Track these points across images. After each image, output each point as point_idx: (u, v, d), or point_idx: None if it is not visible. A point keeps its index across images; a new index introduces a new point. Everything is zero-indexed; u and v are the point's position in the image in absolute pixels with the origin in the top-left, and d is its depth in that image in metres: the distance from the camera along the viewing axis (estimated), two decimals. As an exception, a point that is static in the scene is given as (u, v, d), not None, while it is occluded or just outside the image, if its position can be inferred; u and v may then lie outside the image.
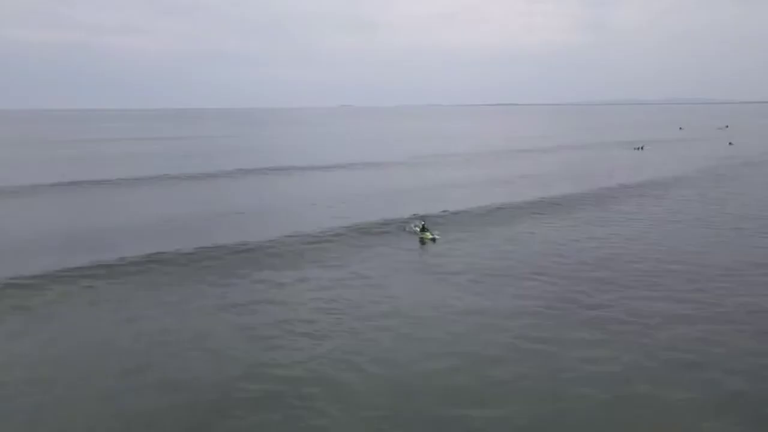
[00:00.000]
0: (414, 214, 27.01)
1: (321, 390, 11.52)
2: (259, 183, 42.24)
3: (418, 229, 24.41)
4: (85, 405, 11.18)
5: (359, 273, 19.20)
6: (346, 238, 23.92)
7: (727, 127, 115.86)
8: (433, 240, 23.38)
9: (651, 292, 17.08)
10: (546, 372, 12.28)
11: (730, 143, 72.59)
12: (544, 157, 60.00)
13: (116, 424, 10.54)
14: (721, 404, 11.03)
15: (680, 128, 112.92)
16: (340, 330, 14.50)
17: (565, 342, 13.70)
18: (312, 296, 17.04)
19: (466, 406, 10.94)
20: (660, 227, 26.08)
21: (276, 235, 23.70)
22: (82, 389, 11.78)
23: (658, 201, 32.83)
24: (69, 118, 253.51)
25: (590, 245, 22.72)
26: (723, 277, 18.55)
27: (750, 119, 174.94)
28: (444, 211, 28.67)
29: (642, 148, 65.97)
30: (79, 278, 18.37)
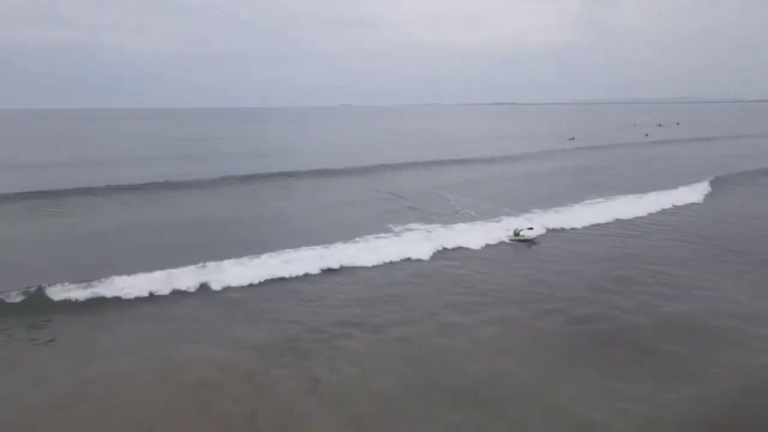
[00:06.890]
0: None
1: None
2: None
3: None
4: None
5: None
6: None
7: (678, 123, 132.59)
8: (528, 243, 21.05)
9: None
10: None
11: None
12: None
13: None
14: None
15: (634, 125, 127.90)
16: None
17: None
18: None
19: None
20: None
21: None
22: None
23: None
24: (70, 117, 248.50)
25: None
26: None
27: (716, 119, 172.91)
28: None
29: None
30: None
